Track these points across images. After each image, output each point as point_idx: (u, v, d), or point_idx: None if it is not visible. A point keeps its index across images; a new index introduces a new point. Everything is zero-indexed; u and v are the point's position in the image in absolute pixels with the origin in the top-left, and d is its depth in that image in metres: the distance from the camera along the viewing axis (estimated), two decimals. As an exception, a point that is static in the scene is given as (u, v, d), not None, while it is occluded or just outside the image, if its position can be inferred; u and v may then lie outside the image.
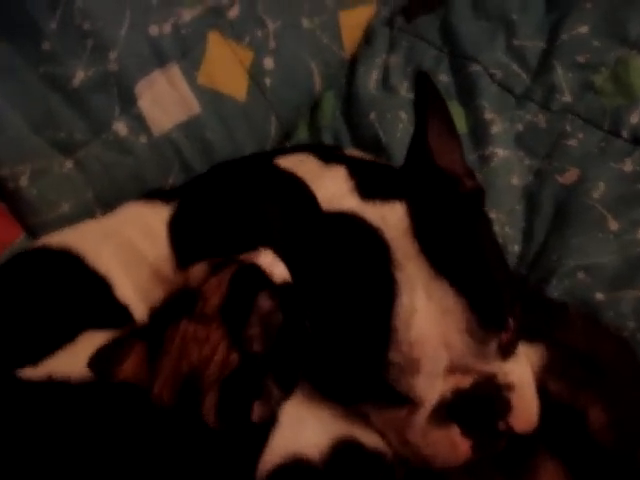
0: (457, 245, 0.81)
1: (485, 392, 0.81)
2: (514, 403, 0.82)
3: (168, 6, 1.11)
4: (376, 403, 0.83)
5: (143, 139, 1.12)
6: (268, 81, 1.21)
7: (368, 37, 1.30)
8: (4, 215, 1.06)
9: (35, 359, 0.83)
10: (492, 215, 1.07)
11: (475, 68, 1.21)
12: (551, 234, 1.07)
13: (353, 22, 1.28)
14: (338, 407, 0.86)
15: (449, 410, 0.81)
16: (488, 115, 1.16)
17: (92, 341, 0.83)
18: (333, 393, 0.85)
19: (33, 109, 1.05)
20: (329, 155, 0.99)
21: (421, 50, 1.27)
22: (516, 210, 1.11)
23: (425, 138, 0.87)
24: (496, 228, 1.06)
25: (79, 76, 1.06)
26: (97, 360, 0.79)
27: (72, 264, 0.93)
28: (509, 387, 0.82)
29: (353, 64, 1.29)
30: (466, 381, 0.81)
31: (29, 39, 1.02)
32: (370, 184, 0.89)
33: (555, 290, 1.01)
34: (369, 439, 0.86)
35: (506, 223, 1.10)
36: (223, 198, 0.93)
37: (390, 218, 0.83)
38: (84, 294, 0.91)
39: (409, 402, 0.81)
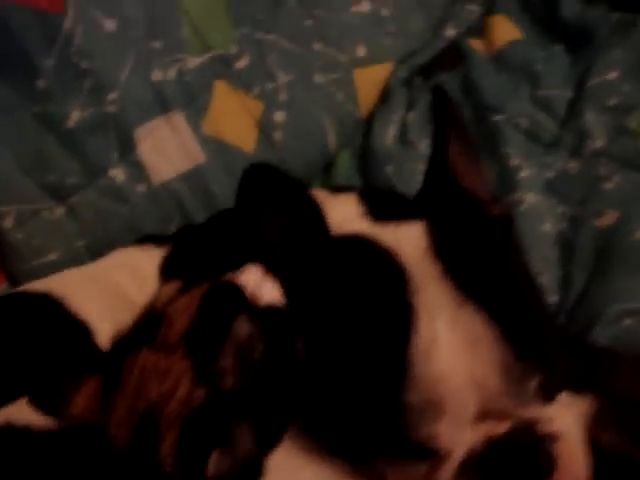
0: (486, 268, 0.69)
1: (524, 442, 0.66)
2: (560, 457, 0.66)
3: (173, 52, 1.07)
4: (391, 458, 0.68)
5: (141, 188, 1.05)
6: (279, 135, 1.14)
7: (385, 96, 1.24)
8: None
9: None
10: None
11: (498, 118, 1.14)
12: (592, 280, 0.96)
13: (369, 80, 1.23)
14: (345, 464, 0.71)
15: (480, 465, 0.65)
16: (514, 161, 1.08)
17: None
18: (339, 446, 0.71)
19: (24, 149, 0.99)
20: (338, 189, 0.91)
21: (441, 106, 1.21)
22: (550, 258, 1.01)
23: (445, 157, 0.76)
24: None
25: (75, 116, 1.00)
26: (42, 395, 0.67)
27: (50, 308, 0.84)
28: (553, 437, 0.67)
29: (369, 122, 1.22)
30: (500, 428, 0.65)
31: (24, 76, 0.98)
32: (383, 208, 0.79)
33: (599, 338, 0.89)
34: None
35: (540, 272, 0.98)
36: (220, 228, 0.85)
37: (406, 239, 0.70)
38: (60, 339, 0.82)
39: (431, 456, 0.66)
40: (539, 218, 1.04)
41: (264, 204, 0.70)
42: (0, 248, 0.98)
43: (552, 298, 0.98)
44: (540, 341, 0.67)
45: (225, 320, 0.64)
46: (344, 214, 0.78)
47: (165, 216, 1.06)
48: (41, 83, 0.98)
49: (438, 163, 0.77)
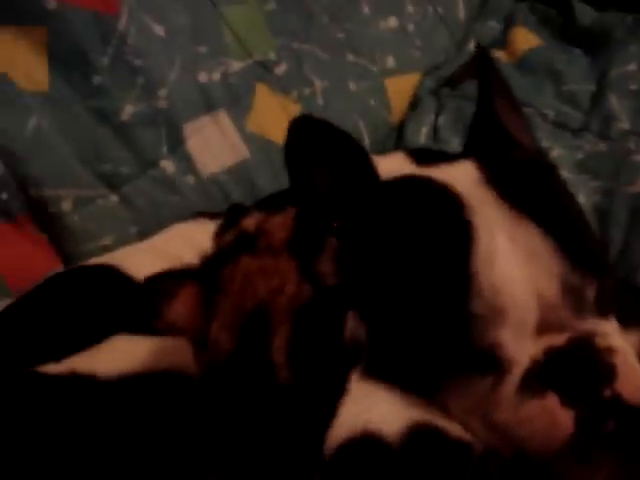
0: (538, 192, 0.71)
1: (584, 352, 0.67)
2: (620, 368, 0.67)
3: (217, 56, 1.14)
4: (456, 377, 0.68)
5: (190, 179, 1.10)
6: (317, 136, 1.19)
7: (414, 104, 1.30)
8: (44, 246, 1.01)
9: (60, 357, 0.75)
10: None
11: (526, 110, 1.18)
12: (629, 238, 0.98)
13: (399, 89, 1.30)
14: (415, 396, 0.72)
15: (543, 375, 0.66)
16: (545, 144, 1.12)
17: (122, 343, 0.76)
18: (409, 376, 0.72)
19: (80, 140, 1.03)
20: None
21: (469, 108, 1.24)
22: (587, 225, 1.03)
23: (492, 107, 0.79)
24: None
25: (128, 110, 1.06)
26: (146, 290, 0.69)
27: (108, 274, 0.87)
28: (611, 350, 0.67)
29: (401, 129, 1.28)
30: (560, 340, 0.67)
31: (81, 72, 1.04)
32: (431, 158, 0.82)
33: (641, 286, 0.91)
34: (452, 429, 0.71)
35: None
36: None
37: (457, 173, 0.73)
38: (118, 300, 0.84)
39: (496, 367, 0.67)
40: (573, 191, 1.06)
41: (314, 155, 0.72)
42: (58, 231, 1.01)
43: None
44: (593, 255, 0.69)
45: (321, 232, 0.68)
46: (394, 166, 0.82)
47: (213, 206, 1.10)
48: (97, 79, 1.04)
49: (485, 113, 0.80)
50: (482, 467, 0.70)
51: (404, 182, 0.75)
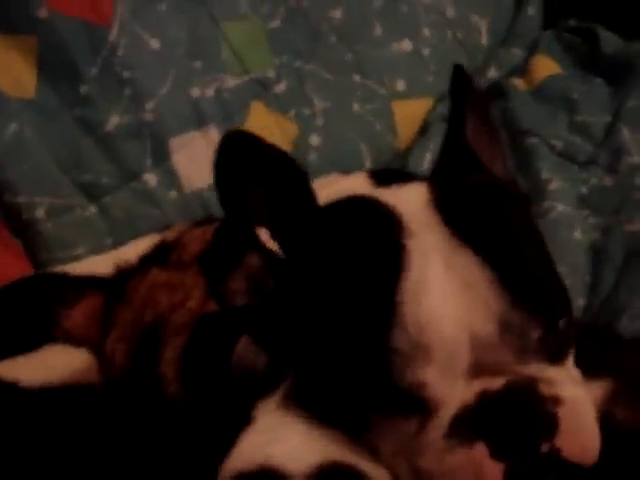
0: (486, 220, 0.64)
1: (523, 399, 0.59)
2: (563, 421, 0.59)
3: (212, 72, 1.12)
4: (383, 416, 0.62)
5: (173, 194, 1.08)
6: (313, 157, 1.16)
7: (424, 130, 1.25)
8: (18, 253, 1.00)
9: None
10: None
11: (533, 140, 1.13)
12: (620, 281, 0.91)
13: (408, 114, 1.25)
14: (342, 435, 0.67)
15: (473, 421, 0.59)
16: (545, 175, 1.06)
17: (53, 353, 0.73)
18: (336, 412, 0.67)
19: (62, 148, 1.03)
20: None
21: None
22: (579, 264, 0.97)
23: (462, 134, 0.72)
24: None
25: (113, 121, 1.05)
26: (45, 296, 0.67)
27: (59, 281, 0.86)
28: (556, 400, 0.60)
29: (407, 155, 1.23)
30: (497, 383, 0.60)
31: (69, 81, 1.04)
32: (392, 179, 0.77)
33: (625, 331, 0.83)
34: (374, 472, 0.65)
35: (568, 276, 0.94)
36: None
37: (406, 195, 0.67)
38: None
39: (421, 408, 0.60)
40: (569, 226, 1.00)
41: (247, 173, 0.65)
42: (30, 238, 1.01)
43: (579, 302, 0.93)
44: (543, 293, 0.61)
45: (239, 250, 0.64)
46: (352, 185, 0.78)
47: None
48: (84, 89, 1.04)
49: (454, 140, 0.74)
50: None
51: (346, 203, 0.70)
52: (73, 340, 0.67)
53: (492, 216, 0.65)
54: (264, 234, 0.64)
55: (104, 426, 0.68)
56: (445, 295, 0.59)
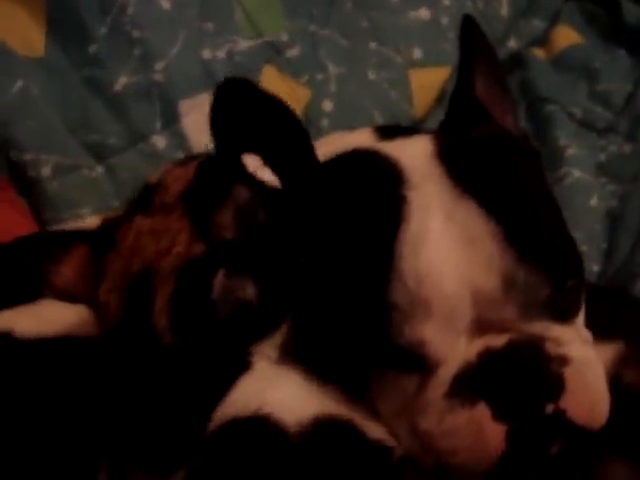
0: (491, 172, 0.62)
1: (527, 358, 0.57)
2: (569, 382, 0.57)
3: (225, 33, 1.10)
4: (383, 374, 0.60)
5: (181, 156, 1.06)
6: (326, 122, 1.14)
7: (441, 99, 1.22)
8: (23, 211, 0.99)
9: None
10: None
11: (552, 108, 1.11)
12: (636, 246, 0.88)
13: (425, 82, 1.22)
14: (337, 389, 0.64)
15: (475, 381, 0.57)
16: (563, 142, 1.03)
17: (49, 306, 0.73)
18: (337, 369, 0.64)
19: (70, 108, 1.02)
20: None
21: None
22: (596, 230, 0.95)
23: (471, 87, 0.70)
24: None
25: (122, 82, 1.03)
26: (32, 255, 0.65)
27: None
28: (562, 360, 0.58)
29: (424, 122, 1.21)
30: (499, 341, 0.57)
31: (78, 41, 1.03)
32: (397, 132, 0.75)
33: (640, 293, 0.80)
34: (373, 429, 0.63)
35: (584, 242, 0.92)
36: None
37: (410, 147, 0.65)
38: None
39: (420, 368, 0.58)
40: (586, 193, 0.98)
41: (242, 114, 0.64)
42: (35, 196, 1.00)
43: (594, 268, 0.91)
44: (550, 251, 0.58)
45: (225, 182, 0.62)
46: (357, 140, 0.75)
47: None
48: (93, 48, 1.03)
49: (462, 93, 0.72)
50: (396, 475, 0.62)
51: (348, 156, 0.68)
52: (65, 296, 0.65)
53: (498, 168, 0.62)
54: (253, 163, 0.62)
55: (98, 375, 0.67)
56: (445, 248, 0.56)
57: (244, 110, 0.64)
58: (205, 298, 0.57)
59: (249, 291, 0.58)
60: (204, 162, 0.64)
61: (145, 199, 0.63)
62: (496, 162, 0.63)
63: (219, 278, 0.57)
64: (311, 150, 0.65)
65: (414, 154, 0.63)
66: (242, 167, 0.64)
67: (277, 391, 0.61)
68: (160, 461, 0.60)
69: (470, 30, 0.73)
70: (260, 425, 0.58)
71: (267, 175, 0.65)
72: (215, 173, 0.64)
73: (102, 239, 0.65)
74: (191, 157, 0.67)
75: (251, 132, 0.64)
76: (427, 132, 0.76)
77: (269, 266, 0.60)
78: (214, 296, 0.56)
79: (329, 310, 0.62)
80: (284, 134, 0.64)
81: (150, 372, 0.60)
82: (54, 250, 0.65)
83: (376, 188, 0.62)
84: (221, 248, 0.58)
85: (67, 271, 0.65)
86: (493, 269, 0.56)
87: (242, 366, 0.61)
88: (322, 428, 0.59)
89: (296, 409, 0.59)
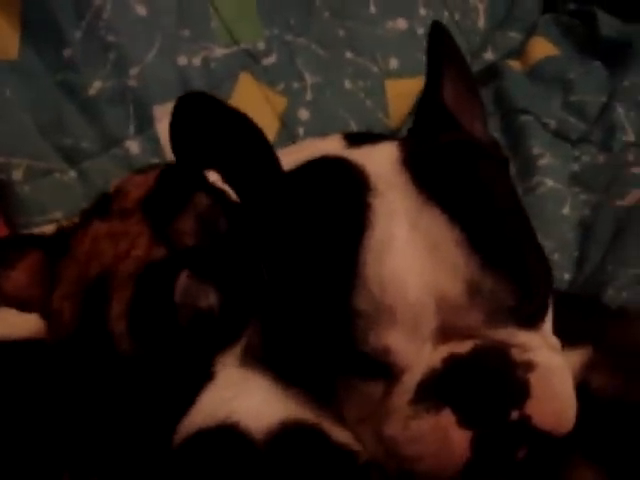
0: (456, 178, 0.61)
1: (492, 364, 0.57)
2: (535, 388, 0.57)
3: (200, 40, 1.10)
4: (349, 381, 0.60)
5: (155, 161, 1.05)
6: (301, 130, 1.14)
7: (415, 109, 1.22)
8: (-8, 215, 0.98)
9: None
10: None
11: (526, 118, 1.11)
12: (607, 255, 0.88)
13: (401, 92, 1.23)
14: (303, 393, 0.64)
15: (440, 387, 0.56)
16: (536, 151, 1.04)
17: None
18: (302, 375, 0.64)
19: (44, 112, 1.01)
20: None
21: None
22: (567, 239, 0.95)
23: (439, 94, 0.70)
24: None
25: (96, 86, 1.03)
26: None
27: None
28: (528, 366, 0.58)
29: (399, 132, 1.21)
30: (464, 347, 0.57)
31: (52, 44, 1.02)
32: (366, 139, 0.74)
33: (611, 303, 0.80)
34: (339, 433, 0.62)
35: (555, 250, 0.92)
36: None
37: (375, 154, 0.65)
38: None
39: (386, 373, 0.58)
40: (558, 202, 0.99)
41: (203, 129, 0.62)
42: (7, 200, 0.99)
43: (565, 276, 0.91)
44: (516, 258, 0.58)
45: (186, 190, 0.61)
46: (327, 147, 0.75)
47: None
48: (67, 52, 1.02)
49: (430, 99, 0.73)
50: (362, 478, 0.61)
51: (314, 164, 0.67)
52: (16, 303, 0.64)
53: (464, 175, 0.62)
54: (214, 175, 0.62)
55: (60, 382, 0.66)
56: (409, 255, 0.56)
57: (204, 124, 0.63)
58: (166, 302, 0.56)
59: (211, 299, 0.58)
60: (165, 170, 0.64)
61: (102, 206, 0.63)
62: (462, 169, 0.63)
63: (182, 280, 0.56)
64: (275, 160, 0.65)
65: (380, 161, 0.63)
66: (203, 177, 0.64)
67: (243, 399, 0.60)
68: (124, 475, 0.59)
69: (439, 37, 0.73)
70: (226, 435, 0.57)
71: (227, 189, 0.65)
72: (176, 181, 0.63)
73: (56, 245, 0.64)
74: (152, 166, 0.66)
75: (212, 145, 0.63)
76: (395, 139, 0.76)
77: (231, 274, 0.60)
78: (176, 298, 0.55)
79: (294, 318, 0.61)
80: (246, 145, 0.63)
81: (109, 382, 0.59)
82: (7, 255, 0.64)
83: (341, 196, 0.61)
84: (183, 253, 0.58)
85: (19, 276, 0.63)
86: (458, 276, 0.56)
87: (205, 376, 0.60)
88: (288, 433, 0.59)
89: (262, 416, 0.59)
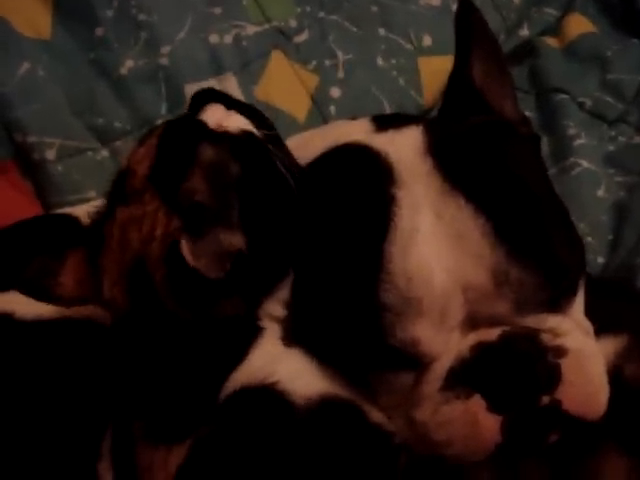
0: (482, 164, 0.61)
1: (521, 349, 0.57)
2: (566, 373, 0.57)
3: (232, 18, 1.10)
4: (381, 372, 0.61)
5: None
6: (333, 109, 1.13)
7: (449, 86, 1.21)
8: (29, 194, 0.99)
9: None
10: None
11: (562, 97, 1.09)
12: (641, 238, 0.87)
13: (435, 70, 1.20)
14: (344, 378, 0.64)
15: (469, 374, 0.57)
16: (571, 131, 1.02)
17: None
18: (334, 359, 0.64)
19: (76, 91, 1.02)
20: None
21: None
22: (602, 222, 0.93)
23: (468, 72, 0.70)
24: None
25: (128, 65, 1.03)
26: (28, 279, 0.65)
27: (67, 223, 0.84)
28: (559, 351, 0.58)
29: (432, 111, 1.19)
30: (492, 334, 0.57)
31: (84, 24, 1.02)
32: (392, 121, 0.73)
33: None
34: (374, 414, 0.63)
35: (589, 234, 0.91)
36: None
37: (399, 140, 0.65)
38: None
39: (415, 365, 0.59)
40: (593, 183, 0.97)
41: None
42: (40, 180, 0.99)
43: (599, 260, 0.90)
44: (543, 242, 0.58)
45: (188, 147, 0.61)
46: (353, 130, 0.74)
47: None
48: (99, 31, 1.02)
49: (459, 79, 0.72)
50: (395, 460, 0.62)
51: (337, 153, 0.67)
52: (76, 301, 0.66)
53: (490, 160, 0.62)
54: (214, 116, 0.62)
55: (104, 350, 0.69)
56: (435, 247, 0.56)
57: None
58: (196, 275, 0.57)
59: (235, 240, 0.58)
60: (163, 135, 0.64)
61: (120, 188, 0.63)
62: (488, 154, 0.62)
63: (184, 246, 0.57)
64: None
65: (404, 148, 0.63)
66: (203, 126, 0.63)
67: (288, 364, 0.61)
68: (168, 430, 0.60)
69: (467, 14, 0.72)
70: (269, 396, 0.59)
71: (232, 121, 0.64)
72: (176, 141, 0.63)
73: (93, 238, 0.65)
74: (152, 130, 0.66)
75: None
76: (423, 121, 0.76)
77: (253, 212, 0.60)
78: (191, 264, 0.56)
79: (322, 314, 0.62)
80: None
81: (164, 345, 0.61)
82: (48, 266, 0.65)
83: (364, 188, 0.62)
84: (188, 213, 0.58)
85: (67, 281, 0.65)
86: (483, 266, 0.56)
87: (253, 331, 0.61)
88: (328, 406, 0.60)
89: (305, 384, 0.60)
